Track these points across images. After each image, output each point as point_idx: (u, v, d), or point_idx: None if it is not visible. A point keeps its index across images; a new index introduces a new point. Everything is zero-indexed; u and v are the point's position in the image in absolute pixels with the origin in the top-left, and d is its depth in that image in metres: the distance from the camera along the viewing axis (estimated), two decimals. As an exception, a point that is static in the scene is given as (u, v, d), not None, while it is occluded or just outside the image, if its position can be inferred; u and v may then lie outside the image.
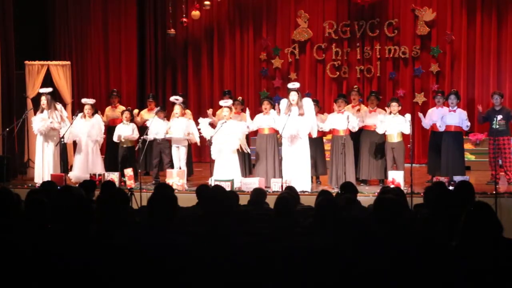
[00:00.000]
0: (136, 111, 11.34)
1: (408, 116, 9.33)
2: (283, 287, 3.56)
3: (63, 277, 3.35)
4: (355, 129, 9.46)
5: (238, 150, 9.71)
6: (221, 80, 14.12)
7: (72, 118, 10.34)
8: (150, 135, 9.73)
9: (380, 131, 9.55)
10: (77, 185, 7.65)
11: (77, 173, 10.12)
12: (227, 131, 9.43)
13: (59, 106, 10.59)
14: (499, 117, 9.43)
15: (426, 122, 9.97)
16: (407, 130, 9.25)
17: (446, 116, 9.55)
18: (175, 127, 9.84)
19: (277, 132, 9.61)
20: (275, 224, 4.83)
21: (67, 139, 10.22)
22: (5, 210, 4.32)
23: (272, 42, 13.83)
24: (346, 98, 10.03)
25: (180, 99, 10.15)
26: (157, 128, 9.89)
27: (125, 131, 10.34)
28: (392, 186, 8.46)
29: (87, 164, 10.18)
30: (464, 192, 5.27)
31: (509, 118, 9.67)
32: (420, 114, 9.99)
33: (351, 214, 5.04)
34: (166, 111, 10.47)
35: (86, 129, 10.23)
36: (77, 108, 11.18)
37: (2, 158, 10.26)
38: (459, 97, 10.14)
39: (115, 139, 10.36)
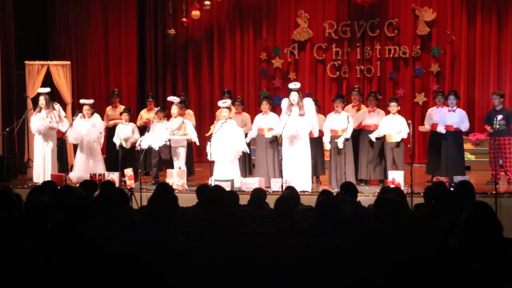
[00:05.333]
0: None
1: (405, 130, 9.39)
2: (283, 287, 3.56)
3: (63, 278, 3.35)
4: (349, 136, 9.49)
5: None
6: (221, 80, 14.12)
7: (72, 119, 10.35)
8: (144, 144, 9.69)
9: (379, 135, 9.62)
10: (77, 185, 7.65)
11: (78, 173, 10.13)
12: (227, 132, 9.43)
13: (57, 106, 10.59)
14: (499, 117, 9.43)
15: (427, 125, 10.10)
16: (405, 134, 9.37)
17: (445, 116, 9.55)
18: (171, 127, 9.83)
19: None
20: (275, 224, 4.83)
21: (72, 140, 10.26)
22: (5, 210, 4.32)
23: (272, 42, 13.84)
24: (343, 98, 10.03)
25: (177, 99, 10.15)
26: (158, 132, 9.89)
27: (125, 132, 10.33)
28: (392, 186, 8.46)
29: (87, 164, 10.19)
30: (464, 192, 5.26)
31: (509, 119, 9.66)
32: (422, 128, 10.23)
33: (351, 214, 5.04)
34: (166, 111, 10.47)
35: (86, 129, 10.24)
36: (77, 108, 11.18)
37: (2, 158, 10.26)
38: (458, 97, 10.14)
39: (116, 141, 10.37)
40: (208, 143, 9.40)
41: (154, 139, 9.62)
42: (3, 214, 4.29)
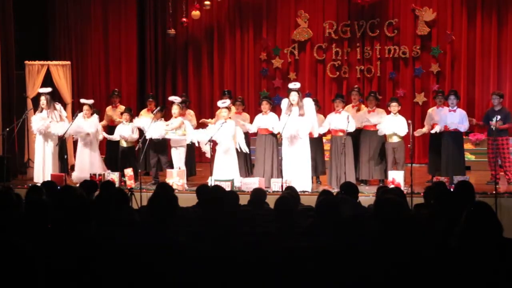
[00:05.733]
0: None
1: (404, 129, 9.35)
2: (283, 287, 3.56)
3: (63, 278, 3.35)
4: (351, 130, 9.50)
5: (237, 149, 9.72)
6: (221, 80, 14.13)
7: (73, 118, 10.35)
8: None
9: (380, 133, 9.60)
10: (78, 185, 7.65)
11: (78, 173, 10.12)
12: (227, 132, 9.43)
13: (58, 106, 10.60)
14: (498, 117, 9.41)
15: (427, 125, 10.08)
16: (403, 132, 9.35)
17: (446, 116, 9.55)
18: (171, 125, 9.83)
19: (272, 133, 9.66)
20: (275, 224, 4.83)
21: (72, 134, 10.21)
22: (5, 210, 4.32)
23: (272, 42, 13.84)
24: (343, 98, 10.04)
25: (178, 99, 10.15)
26: (156, 129, 9.88)
27: (125, 132, 10.33)
28: (392, 186, 8.46)
29: (88, 164, 10.18)
30: (464, 192, 5.26)
31: (507, 120, 9.63)
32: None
33: (351, 214, 5.04)
34: (164, 112, 10.46)
35: (85, 129, 10.23)
36: (77, 108, 11.18)
37: (2, 158, 10.25)
38: (459, 97, 10.13)
39: (116, 137, 10.37)
40: (208, 142, 9.39)
41: (152, 131, 9.61)
42: (3, 214, 4.30)
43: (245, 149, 9.82)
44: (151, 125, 9.54)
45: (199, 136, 9.65)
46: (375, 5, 13.17)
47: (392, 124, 9.53)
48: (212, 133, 9.35)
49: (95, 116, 10.45)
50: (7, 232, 3.81)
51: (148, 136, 9.47)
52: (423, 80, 13.15)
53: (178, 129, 9.80)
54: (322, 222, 4.30)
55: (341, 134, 9.41)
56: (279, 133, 9.47)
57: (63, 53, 13.71)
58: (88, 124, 10.27)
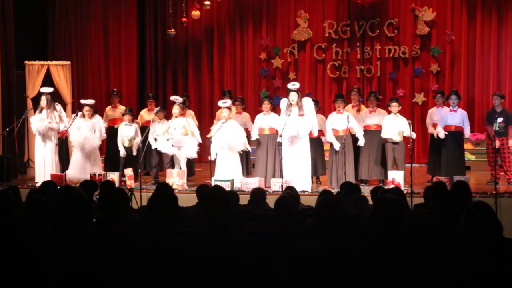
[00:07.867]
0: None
1: (407, 129, 9.35)
2: (282, 287, 3.56)
3: (63, 278, 3.35)
4: (353, 131, 9.49)
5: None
6: (221, 80, 14.13)
7: (72, 118, 10.34)
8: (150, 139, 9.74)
9: (384, 135, 9.59)
10: (74, 184, 7.65)
11: (73, 172, 10.09)
12: (227, 131, 9.43)
13: (58, 106, 10.59)
14: (500, 119, 9.39)
15: (428, 122, 10.09)
16: (408, 132, 9.35)
17: (447, 116, 9.53)
18: (174, 127, 9.82)
19: (277, 132, 9.60)
20: (275, 224, 4.83)
21: (73, 142, 10.19)
22: (5, 210, 4.33)
23: (272, 42, 13.84)
24: (344, 98, 10.03)
25: (180, 99, 10.14)
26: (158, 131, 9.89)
27: (128, 132, 10.31)
28: (391, 186, 8.46)
29: (84, 164, 10.16)
30: (460, 192, 5.25)
31: (509, 121, 9.60)
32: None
33: (352, 213, 5.04)
34: (166, 111, 10.46)
35: (86, 130, 10.22)
36: (77, 108, 11.18)
37: (2, 158, 10.25)
38: (460, 97, 10.13)
39: (119, 143, 10.34)
40: (208, 143, 9.40)
41: (162, 144, 9.65)
42: (3, 214, 4.30)
43: (247, 147, 9.83)
44: (159, 139, 9.61)
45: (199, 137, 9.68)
46: (375, 5, 13.18)
47: (395, 125, 9.51)
48: (212, 133, 9.36)
49: (98, 117, 10.43)
50: (7, 232, 3.81)
51: (163, 150, 9.61)
52: (423, 80, 13.15)
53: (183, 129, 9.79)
54: (322, 222, 4.30)
55: (341, 134, 9.40)
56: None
57: (63, 53, 13.73)
58: (90, 124, 10.24)
